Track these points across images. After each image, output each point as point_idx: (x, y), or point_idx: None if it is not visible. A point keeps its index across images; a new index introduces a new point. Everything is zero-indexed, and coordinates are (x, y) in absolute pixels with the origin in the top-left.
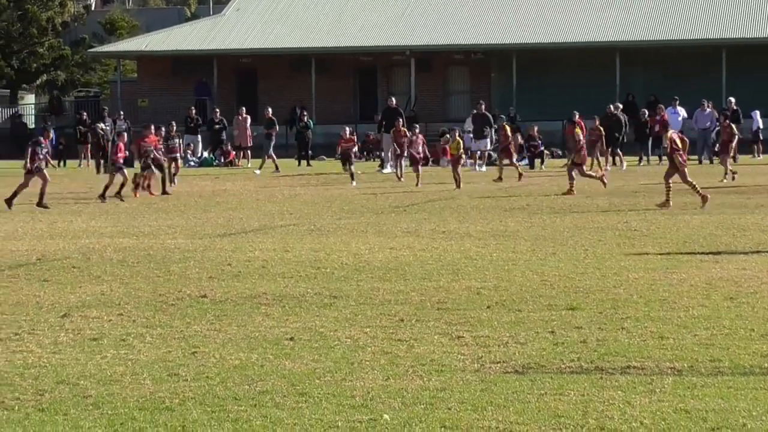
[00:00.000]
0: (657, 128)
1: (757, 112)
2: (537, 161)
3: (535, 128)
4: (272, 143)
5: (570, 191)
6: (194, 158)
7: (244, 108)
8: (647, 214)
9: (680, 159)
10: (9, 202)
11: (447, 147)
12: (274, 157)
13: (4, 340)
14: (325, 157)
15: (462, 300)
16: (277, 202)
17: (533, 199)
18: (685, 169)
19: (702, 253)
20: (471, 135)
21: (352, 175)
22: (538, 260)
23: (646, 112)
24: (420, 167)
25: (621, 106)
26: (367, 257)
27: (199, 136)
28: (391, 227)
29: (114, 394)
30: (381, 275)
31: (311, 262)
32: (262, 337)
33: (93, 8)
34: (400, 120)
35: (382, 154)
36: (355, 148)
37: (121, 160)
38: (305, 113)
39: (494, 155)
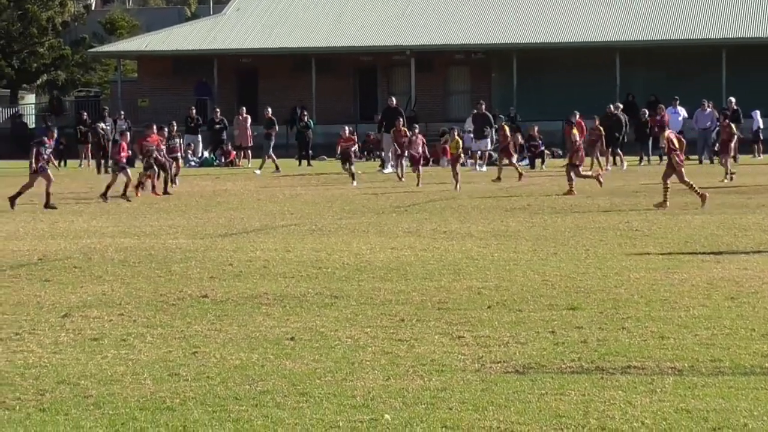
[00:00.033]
0: (657, 128)
1: (758, 112)
2: (538, 161)
3: (536, 128)
4: (272, 143)
5: (570, 191)
6: (195, 158)
7: (244, 108)
8: (648, 214)
9: (677, 159)
10: (13, 200)
11: (446, 147)
12: (274, 157)
13: (5, 339)
14: (325, 157)
15: (463, 300)
16: (278, 202)
17: (534, 199)
18: (683, 169)
19: (703, 253)
20: (471, 135)
21: (352, 175)
22: (540, 260)
23: (647, 112)
24: (420, 167)
25: (621, 106)
26: (369, 257)
27: (200, 136)
28: (392, 227)
29: (115, 394)
30: (382, 275)
31: (312, 262)
32: (262, 337)
33: (93, 8)
34: (401, 120)
35: (383, 154)
36: (355, 147)
37: (124, 160)
38: (306, 113)
39: (495, 155)
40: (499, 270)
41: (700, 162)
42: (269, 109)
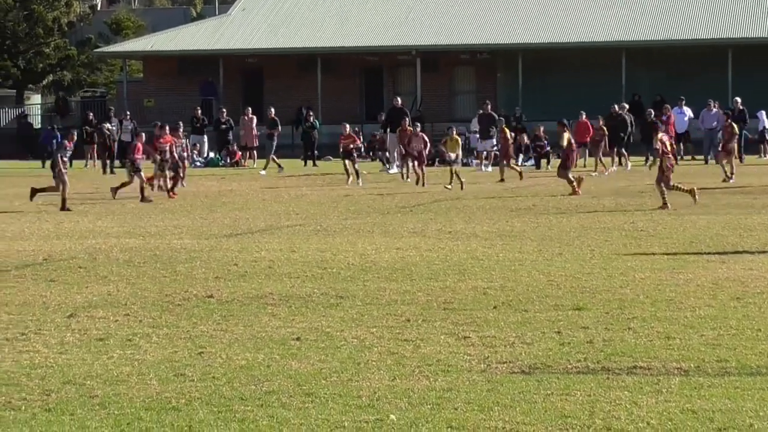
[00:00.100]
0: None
1: (763, 112)
2: (543, 161)
3: (541, 128)
4: (274, 143)
5: (575, 192)
6: (200, 158)
7: (250, 108)
8: (653, 214)
9: (668, 163)
10: (34, 193)
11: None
12: (274, 157)
13: (11, 340)
14: (331, 157)
15: (468, 300)
16: (283, 202)
17: (539, 200)
18: (671, 174)
19: (708, 253)
20: (477, 135)
21: (357, 173)
22: (545, 260)
23: (652, 112)
24: (424, 167)
25: (627, 106)
26: (374, 257)
27: (205, 137)
28: (397, 227)
29: (120, 394)
30: (387, 275)
31: (317, 262)
32: (268, 337)
33: (99, 8)
34: (407, 119)
35: (386, 154)
36: (356, 144)
37: (140, 161)
38: (311, 113)
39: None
40: (505, 270)
41: (706, 162)
42: (272, 110)
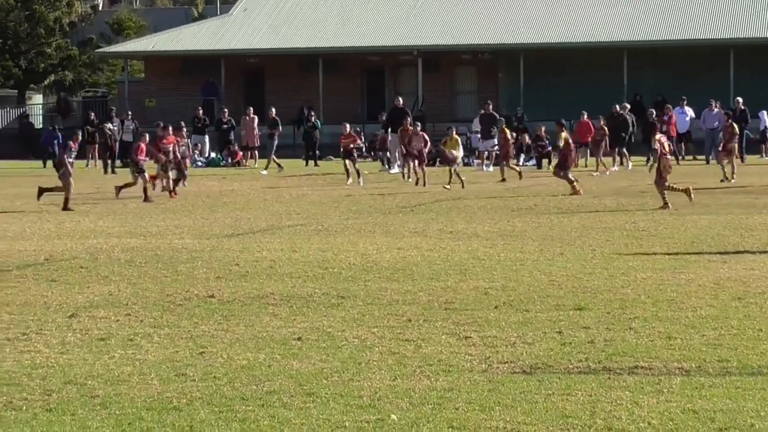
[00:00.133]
0: (664, 128)
1: (764, 112)
2: (544, 161)
3: (543, 128)
4: (275, 143)
5: (576, 191)
6: (201, 158)
7: (251, 108)
8: (655, 214)
9: (665, 163)
10: (41, 192)
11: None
12: (274, 157)
13: (12, 340)
14: (332, 158)
15: (470, 300)
16: (285, 202)
17: (541, 200)
18: (667, 175)
19: (710, 253)
20: (478, 135)
21: (357, 173)
22: (546, 260)
23: (654, 112)
24: (424, 166)
25: (628, 106)
26: (375, 257)
27: (207, 137)
28: (398, 227)
29: (122, 394)
30: (388, 275)
31: (319, 262)
32: (269, 337)
33: (100, 8)
34: (408, 119)
35: (387, 154)
36: (356, 144)
37: (144, 162)
38: (313, 113)
39: None
40: (506, 270)
41: (707, 162)
42: (273, 109)
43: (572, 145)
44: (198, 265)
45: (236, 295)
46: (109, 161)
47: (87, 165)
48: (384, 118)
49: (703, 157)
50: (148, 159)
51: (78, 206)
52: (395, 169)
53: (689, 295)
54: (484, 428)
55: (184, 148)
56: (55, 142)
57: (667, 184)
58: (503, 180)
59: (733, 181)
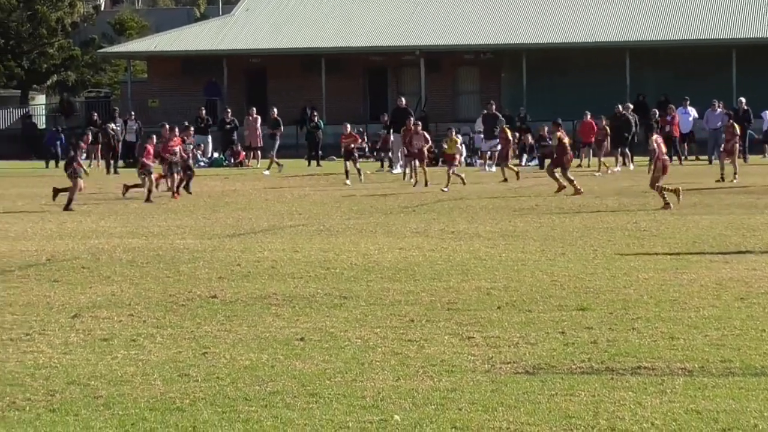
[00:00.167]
0: (668, 128)
1: (767, 112)
2: (547, 161)
3: (546, 128)
4: (276, 143)
5: (577, 191)
6: (204, 158)
7: (254, 108)
8: (656, 214)
9: (662, 164)
10: (56, 193)
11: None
12: (274, 157)
13: (15, 340)
14: (335, 158)
15: (472, 300)
16: (287, 202)
17: (542, 200)
18: (660, 175)
19: (712, 253)
20: (481, 135)
21: (359, 171)
22: (548, 260)
23: (657, 113)
24: (424, 166)
25: (631, 106)
26: (377, 258)
27: (209, 137)
28: (400, 227)
29: (125, 394)
30: (391, 276)
31: (321, 262)
32: (272, 337)
33: (102, 8)
34: (411, 119)
35: (390, 154)
36: (357, 144)
37: (151, 164)
38: (315, 113)
39: None
40: (508, 270)
41: (710, 162)
42: (275, 109)
43: (567, 145)
44: (200, 266)
45: (239, 296)
46: (112, 161)
47: (89, 165)
48: (385, 118)
49: (706, 157)
50: (156, 162)
51: (80, 206)
52: (398, 169)
53: (692, 295)
54: (487, 428)
55: (192, 146)
56: (58, 143)
57: (658, 184)
58: (505, 180)
59: (735, 181)
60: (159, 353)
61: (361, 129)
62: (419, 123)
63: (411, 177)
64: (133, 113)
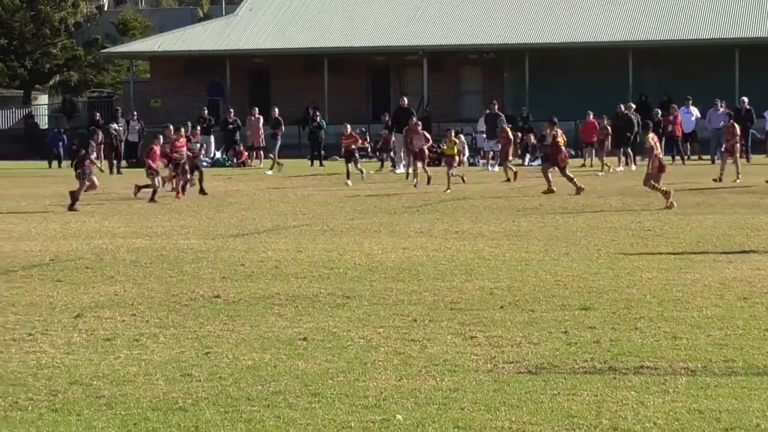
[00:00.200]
0: (670, 128)
1: None
2: None
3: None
4: (278, 143)
5: (579, 189)
6: (207, 158)
7: (257, 108)
8: (660, 213)
9: (659, 162)
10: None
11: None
12: (275, 156)
13: (18, 340)
14: (338, 158)
15: (475, 300)
16: (290, 202)
17: (546, 199)
18: (655, 173)
19: (715, 253)
20: (484, 135)
21: (361, 171)
22: (551, 260)
23: (659, 112)
24: (425, 165)
25: (633, 105)
26: (380, 257)
27: (212, 137)
28: (403, 227)
29: (127, 394)
30: (394, 275)
31: (324, 262)
32: (275, 337)
33: (106, 9)
34: (413, 119)
35: (392, 154)
36: (358, 144)
37: (157, 166)
38: (318, 113)
39: None
40: (511, 270)
41: (713, 162)
42: (276, 109)
43: (561, 144)
44: (203, 266)
45: (242, 296)
46: (115, 162)
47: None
48: (387, 119)
49: (709, 157)
50: (161, 164)
51: (83, 206)
52: (401, 169)
53: (695, 295)
54: (489, 428)
55: (198, 145)
56: (60, 143)
57: (650, 182)
58: (508, 180)
59: (738, 181)
60: (162, 353)
61: (363, 129)
62: (419, 122)
63: (415, 177)
64: (135, 113)
